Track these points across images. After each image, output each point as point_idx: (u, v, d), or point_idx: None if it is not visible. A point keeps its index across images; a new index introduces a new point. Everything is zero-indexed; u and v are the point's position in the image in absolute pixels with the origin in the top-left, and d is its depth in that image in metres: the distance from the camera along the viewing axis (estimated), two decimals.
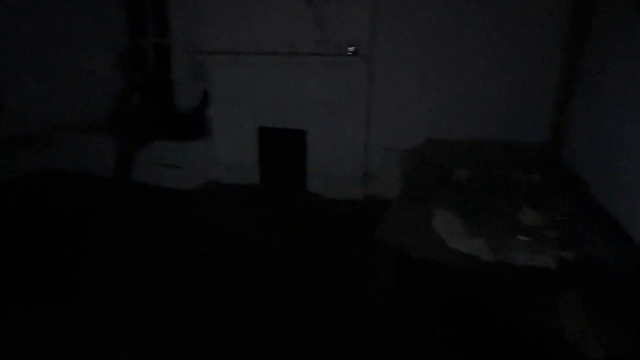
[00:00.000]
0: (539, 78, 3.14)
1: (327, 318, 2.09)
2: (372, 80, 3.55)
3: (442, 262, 1.80)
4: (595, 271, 1.58)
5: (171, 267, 2.55)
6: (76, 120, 4.54)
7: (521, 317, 1.76)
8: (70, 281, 2.38)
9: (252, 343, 1.92)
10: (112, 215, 3.32)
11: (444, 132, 3.41)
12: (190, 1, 4.04)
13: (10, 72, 4.02)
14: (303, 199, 3.78)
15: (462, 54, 3.29)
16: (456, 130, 3.38)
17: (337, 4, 3.41)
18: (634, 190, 1.88)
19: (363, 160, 3.73)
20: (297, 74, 3.62)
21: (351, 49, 3.30)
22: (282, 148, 3.97)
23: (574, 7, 2.89)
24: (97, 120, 4.62)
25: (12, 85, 4.06)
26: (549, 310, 1.50)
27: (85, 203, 3.54)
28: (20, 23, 3.98)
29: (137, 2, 4.55)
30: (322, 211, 3.51)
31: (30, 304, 2.16)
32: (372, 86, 3.58)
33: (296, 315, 2.12)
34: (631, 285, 1.52)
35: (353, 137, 3.64)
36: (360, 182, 3.74)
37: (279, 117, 3.82)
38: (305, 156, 3.84)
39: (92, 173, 4.21)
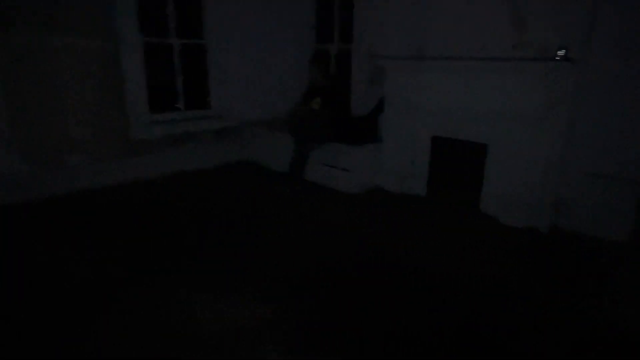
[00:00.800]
0: None
1: None
2: (581, 90, 2.93)
3: None
4: None
5: (321, 264, 2.58)
6: (264, 118, 5.14)
7: None
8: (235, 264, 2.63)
9: None
10: (283, 205, 3.59)
11: None
12: (374, 7, 4.06)
13: (220, 72, 4.75)
14: (474, 219, 3.40)
15: None
16: None
17: None
18: None
19: (555, 185, 3.13)
20: (485, 80, 3.24)
21: (561, 52, 2.77)
22: (456, 160, 3.65)
23: None
24: (280, 119, 5.13)
25: (219, 82, 4.80)
26: None
27: (262, 192, 3.93)
28: (227, 26, 4.65)
29: (326, 8, 4.84)
30: (495, 237, 3.09)
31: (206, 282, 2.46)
32: (581, 97, 2.95)
33: None
34: None
35: (546, 156, 3.08)
36: (548, 210, 3.15)
37: (456, 127, 3.52)
38: (483, 172, 3.44)
39: (271, 167, 4.68)
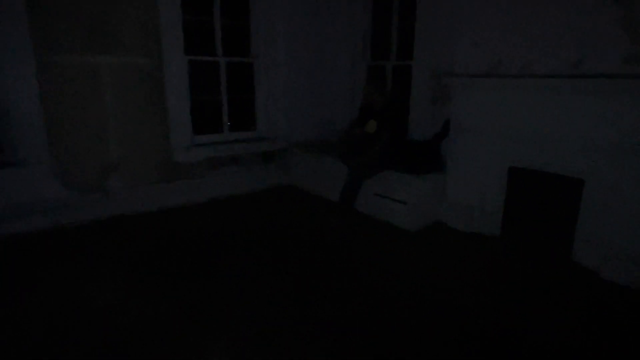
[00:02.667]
0: None
1: None
2: None
3: None
4: None
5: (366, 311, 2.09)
6: (312, 140, 4.77)
7: None
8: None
9: None
10: (331, 244, 3.14)
11: None
12: (441, 18, 3.58)
13: (266, 92, 4.46)
14: (565, 272, 2.76)
15: None
16: None
17: None
18: None
19: None
20: (582, 103, 2.64)
21: None
22: (541, 197, 3.03)
23: None
24: (329, 141, 4.74)
25: (265, 102, 4.50)
26: None
27: (308, 224, 3.51)
28: (275, 44, 4.36)
29: (382, 21, 4.42)
30: (597, 300, 2.44)
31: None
32: None
33: None
34: None
35: None
36: None
37: (541, 158, 2.92)
38: (576, 213, 2.81)
39: (319, 194, 4.28)
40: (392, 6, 4.24)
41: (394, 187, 3.51)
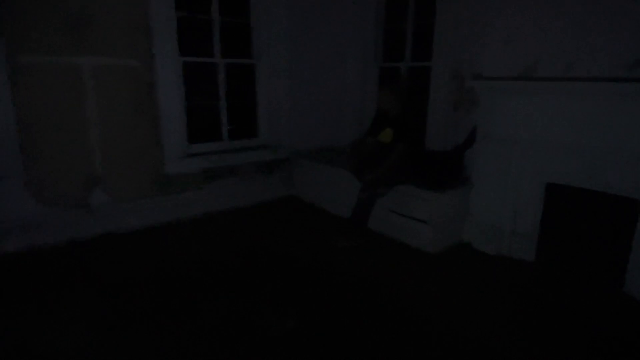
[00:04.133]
0: None
1: None
2: None
3: None
4: None
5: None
6: (319, 149, 4.38)
7: None
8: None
9: None
10: (341, 270, 2.75)
11: None
12: (466, 13, 3.19)
13: (269, 96, 4.08)
14: (615, 307, 2.35)
15: None
16: None
17: None
18: None
19: None
20: (638, 110, 2.24)
21: None
22: (586, 219, 2.62)
23: None
24: (338, 149, 4.36)
25: (267, 107, 4.13)
26: None
27: (315, 245, 3.12)
28: (279, 44, 3.98)
29: (396, 19, 4.04)
30: None
31: None
32: None
33: None
34: None
35: None
36: None
37: (587, 174, 2.51)
38: (631, 238, 2.39)
39: (327, 208, 3.89)
40: (408, 1, 3.84)
41: (412, 204, 3.11)
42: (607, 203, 2.48)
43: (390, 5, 4.11)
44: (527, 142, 2.72)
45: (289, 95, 4.09)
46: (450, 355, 1.94)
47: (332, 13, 4.19)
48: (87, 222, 3.17)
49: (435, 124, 3.52)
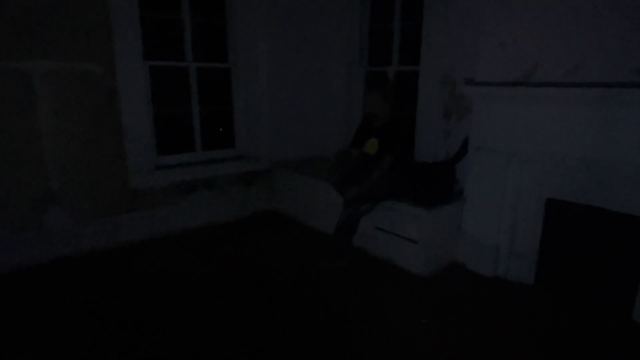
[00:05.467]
0: None
1: None
2: None
3: None
4: None
5: None
6: (301, 159, 4.10)
7: None
8: None
9: None
10: (324, 295, 2.47)
11: None
12: (457, 14, 2.95)
13: (246, 102, 3.80)
14: (624, 335, 2.11)
15: None
16: None
17: None
18: None
19: None
20: None
21: None
22: (591, 238, 2.38)
23: None
24: (321, 159, 4.09)
25: (245, 115, 3.84)
26: None
27: (294, 265, 2.84)
28: (257, 47, 3.70)
29: (382, 20, 3.79)
30: None
31: None
32: None
33: None
34: None
35: None
36: None
37: (592, 189, 2.27)
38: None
39: (309, 223, 3.61)
40: (394, 0, 3.59)
41: (400, 221, 2.85)
42: (614, 221, 2.24)
43: (376, 4, 3.85)
44: (526, 153, 2.48)
45: (268, 102, 3.81)
46: None
47: (314, 13, 3.92)
48: (41, 246, 2.84)
49: (424, 133, 3.27)
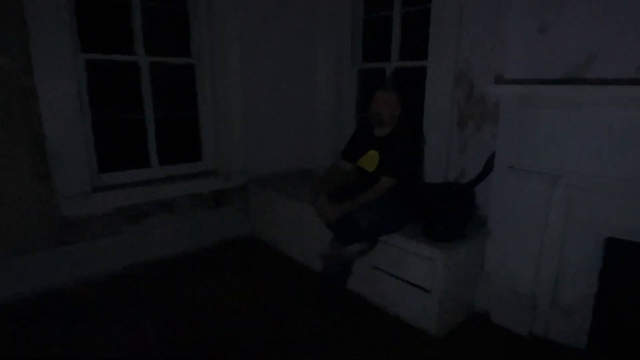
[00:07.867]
0: None
1: None
2: None
3: None
4: None
5: None
6: (281, 174, 3.43)
7: None
8: None
9: None
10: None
11: None
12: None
13: (215, 107, 3.12)
14: None
15: None
16: None
17: None
18: None
19: None
20: None
21: None
22: None
23: None
24: (307, 173, 3.43)
25: (213, 122, 3.16)
26: None
27: (267, 319, 2.17)
28: (227, 39, 3.02)
29: (378, 8, 3.14)
30: None
31: None
32: None
33: None
34: None
35: None
36: None
37: None
38: None
39: (291, 253, 2.94)
40: None
41: (406, 261, 2.18)
42: None
43: None
44: (579, 176, 1.84)
45: (242, 104, 3.13)
46: None
47: (297, 1, 3.26)
48: None
49: (432, 146, 2.61)
